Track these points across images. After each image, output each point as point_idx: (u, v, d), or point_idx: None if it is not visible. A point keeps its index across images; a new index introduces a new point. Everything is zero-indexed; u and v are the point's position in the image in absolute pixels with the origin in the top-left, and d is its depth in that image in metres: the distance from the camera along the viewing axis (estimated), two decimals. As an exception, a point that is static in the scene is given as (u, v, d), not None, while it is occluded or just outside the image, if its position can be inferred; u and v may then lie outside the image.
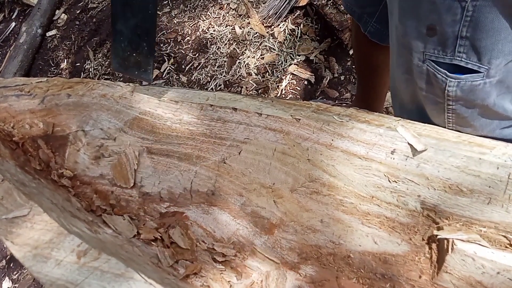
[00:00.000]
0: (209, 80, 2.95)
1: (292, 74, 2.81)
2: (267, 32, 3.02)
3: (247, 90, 2.81)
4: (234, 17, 3.16)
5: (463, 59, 1.06)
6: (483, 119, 1.18)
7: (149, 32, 1.20)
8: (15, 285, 2.59)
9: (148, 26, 1.19)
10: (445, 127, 1.20)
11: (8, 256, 2.71)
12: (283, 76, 2.82)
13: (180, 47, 3.18)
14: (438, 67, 1.11)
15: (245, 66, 2.92)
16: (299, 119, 1.13)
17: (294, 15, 3.01)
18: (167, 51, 3.17)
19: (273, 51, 2.94)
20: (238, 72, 2.92)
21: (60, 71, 3.44)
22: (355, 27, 1.81)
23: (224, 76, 2.93)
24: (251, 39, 3.02)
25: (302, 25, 2.96)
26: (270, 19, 3.01)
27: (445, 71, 1.10)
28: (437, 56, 1.10)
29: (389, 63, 1.86)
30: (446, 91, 1.13)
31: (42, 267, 0.86)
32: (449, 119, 1.20)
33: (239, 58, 2.98)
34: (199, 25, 3.21)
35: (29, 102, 1.29)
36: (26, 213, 0.93)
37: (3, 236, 0.90)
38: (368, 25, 1.65)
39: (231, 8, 3.20)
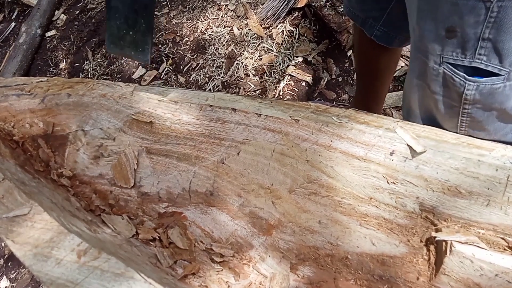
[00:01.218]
0: (207, 81, 2.95)
1: (290, 75, 2.81)
2: (265, 33, 3.02)
3: (245, 91, 2.82)
4: (233, 18, 3.16)
5: (483, 62, 1.05)
6: (498, 123, 1.17)
7: (147, 6, 1.14)
8: (13, 284, 2.59)
9: (146, 0, 1.13)
10: (456, 132, 1.20)
11: (6, 255, 2.71)
12: (281, 77, 2.82)
13: (179, 48, 3.18)
14: (455, 70, 1.09)
15: (243, 67, 2.93)
16: (298, 120, 1.13)
17: (292, 16, 3.01)
18: (166, 52, 3.17)
19: (271, 52, 2.94)
20: (236, 73, 2.92)
21: (59, 71, 3.44)
22: (358, 31, 1.80)
23: (222, 77, 2.93)
24: (249, 40, 3.02)
25: (300, 26, 2.96)
26: (269, 20, 3.01)
27: (464, 74, 1.08)
28: (455, 59, 1.08)
29: (392, 66, 1.87)
30: (464, 95, 1.12)
31: (42, 266, 0.86)
32: (463, 123, 1.19)
33: (237, 59, 2.98)
34: (198, 26, 3.21)
35: (29, 101, 1.29)
36: (26, 212, 0.93)
37: (3, 235, 0.90)
38: (374, 29, 1.64)
39: (229, 9, 3.21)
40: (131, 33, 1.16)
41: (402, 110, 1.48)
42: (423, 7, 1.10)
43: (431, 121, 1.28)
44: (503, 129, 1.18)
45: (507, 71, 1.03)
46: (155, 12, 3.37)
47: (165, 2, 3.45)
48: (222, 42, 3.08)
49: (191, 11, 3.32)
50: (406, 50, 2.52)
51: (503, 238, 0.95)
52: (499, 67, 1.04)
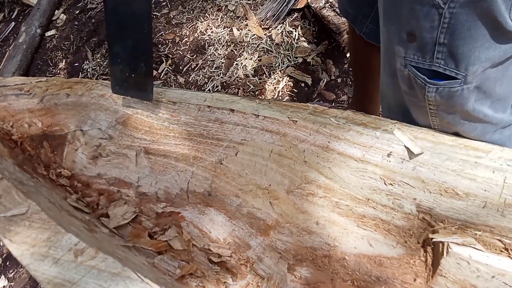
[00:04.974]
0: (207, 81, 2.95)
1: (289, 76, 2.81)
2: (264, 34, 3.02)
3: (244, 92, 2.82)
4: (232, 19, 3.16)
5: (441, 65, 1.07)
6: (466, 124, 1.18)
7: (146, 51, 1.20)
8: (11, 283, 2.59)
9: (144, 46, 1.19)
10: None
11: (4, 255, 2.71)
12: (280, 78, 2.82)
13: (178, 48, 3.18)
14: (418, 72, 1.12)
15: (243, 67, 2.93)
16: (296, 121, 1.14)
17: (291, 17, 3.01)
18: (165, 52, 3.17)
19: (271, 53, 2.94)
20: (235, 73, 2.92)
21: (58, 71, 3.43)
22: (351, 29, 1.81)
23: (222, 77, 2.93)
24: (249, 41, 3.02)
25: (299, 27, 2.97)
26: (268, 21, 3.01)
27: (424, 77, 1.11)
28: (417, 62, 1.11)
29: None
30: (426, 96, 1.14)
31: (39, 265, 0.86)
32: (434, 122, 1.21)
33: (237, 59, 2.98)
34: (197, 26, 3.21)
35: (28, 101, 1.29)
36: (24, 211, 0.93)
37: (1, 234, 0.91)
38: (363, 26, 1.65)
39: (229, 10, 3.21)
40: (133, 75, 1.21)
41: (382, 108, 1.48)
42: (387, 9, 1.13)
43: (407, 118, 1.29)
44: (474, 130, 1.19)
45: (463, 74, 1.05)
46: (155, 13, 3.37)
47: (165, 3, 3.45)
48: (221, 43, 3.08)
49: (191, 12, 3.32)
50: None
51: (499, 240, 0.95)
52: (456, 71, 1.06)
